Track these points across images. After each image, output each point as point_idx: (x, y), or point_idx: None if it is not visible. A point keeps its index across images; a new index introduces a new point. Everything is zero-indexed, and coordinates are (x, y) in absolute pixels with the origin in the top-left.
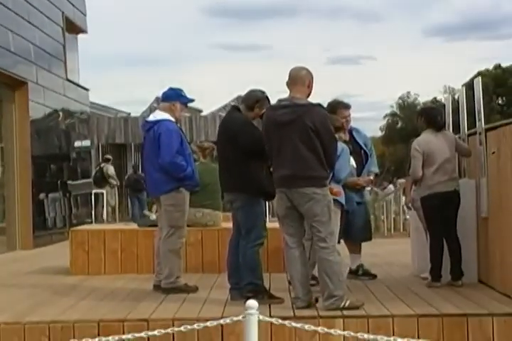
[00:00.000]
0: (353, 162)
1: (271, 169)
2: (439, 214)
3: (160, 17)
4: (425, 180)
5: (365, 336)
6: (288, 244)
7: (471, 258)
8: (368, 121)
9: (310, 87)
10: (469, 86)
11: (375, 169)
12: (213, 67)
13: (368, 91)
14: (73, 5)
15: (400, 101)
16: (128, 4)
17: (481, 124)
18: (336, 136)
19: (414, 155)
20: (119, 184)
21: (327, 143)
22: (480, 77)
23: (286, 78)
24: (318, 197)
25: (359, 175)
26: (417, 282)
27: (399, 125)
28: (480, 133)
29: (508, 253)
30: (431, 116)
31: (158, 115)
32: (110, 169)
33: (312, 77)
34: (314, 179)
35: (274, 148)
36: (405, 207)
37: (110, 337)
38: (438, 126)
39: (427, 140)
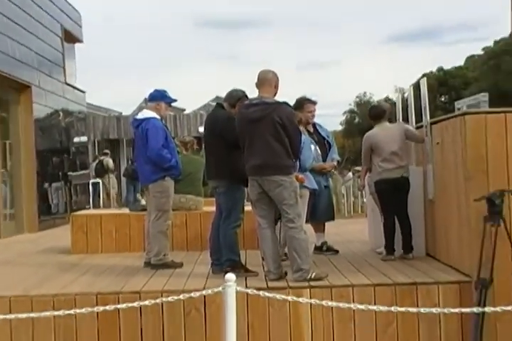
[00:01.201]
0: (318, 150)
1: None
2: (390, 197)
3: (148, 26)
4: (375, 168)
5: (330, 303)
6: (260, 224)
7: (420, 234)
8: (330, 117)
9: (276, 87)
10: (416, 86)
11: (337, 156)
12: (196, 71)
13: (330, 93)
14: (71, 19)
15: (357, 99)
16: (119, 16)
17: (426, 119)
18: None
19: (363, 147)
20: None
21: (293, 136)
22: (425, 78)
23: (256, 79)
24: (285, 183)
25: (324, 161)
26: (374, 256)
27: (356, 120)
28: (426, 127)
29: (451, 230)
30: (374, 113)
31: (146, 113)
32: (110, 162)
33: (278, 79)
34: (281, 167)
35: (246, 141)
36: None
37: (107, 307)
38: (383, 120)
39: (373, 134)
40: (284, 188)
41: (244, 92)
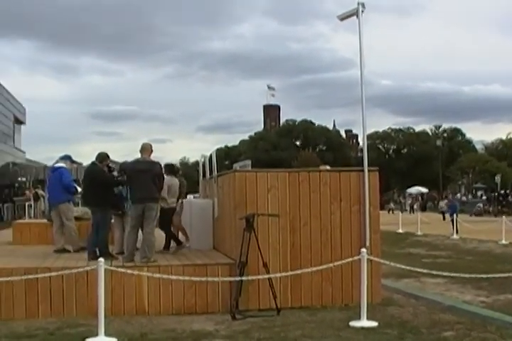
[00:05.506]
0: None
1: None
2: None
3: (60, 116)
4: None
5: (157, 275)
6: (130, 230)
7: (210, 236)
8: None
9: (152, 151)
10: (210, 155)
11: None
12: (91, 144)
13: (168, 157)
14: (19, 110)
15: (180, 161)
16: (42, 109)
17: (215, 173)
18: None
19: None
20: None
21: (160, 181)
22: (215, 150)
23: (139, 147)
24: (155, 208)
25: None
26: (183, 250)
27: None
28: (215, 177)
29: (227, 235)
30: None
31: (59, 164)
32: (41, 192)
33: (152, 147)
34: (155, 199)
35: (134, 182)
36: None
37: (30, 276)
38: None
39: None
40: (153, 211)
41: (107, 154)
